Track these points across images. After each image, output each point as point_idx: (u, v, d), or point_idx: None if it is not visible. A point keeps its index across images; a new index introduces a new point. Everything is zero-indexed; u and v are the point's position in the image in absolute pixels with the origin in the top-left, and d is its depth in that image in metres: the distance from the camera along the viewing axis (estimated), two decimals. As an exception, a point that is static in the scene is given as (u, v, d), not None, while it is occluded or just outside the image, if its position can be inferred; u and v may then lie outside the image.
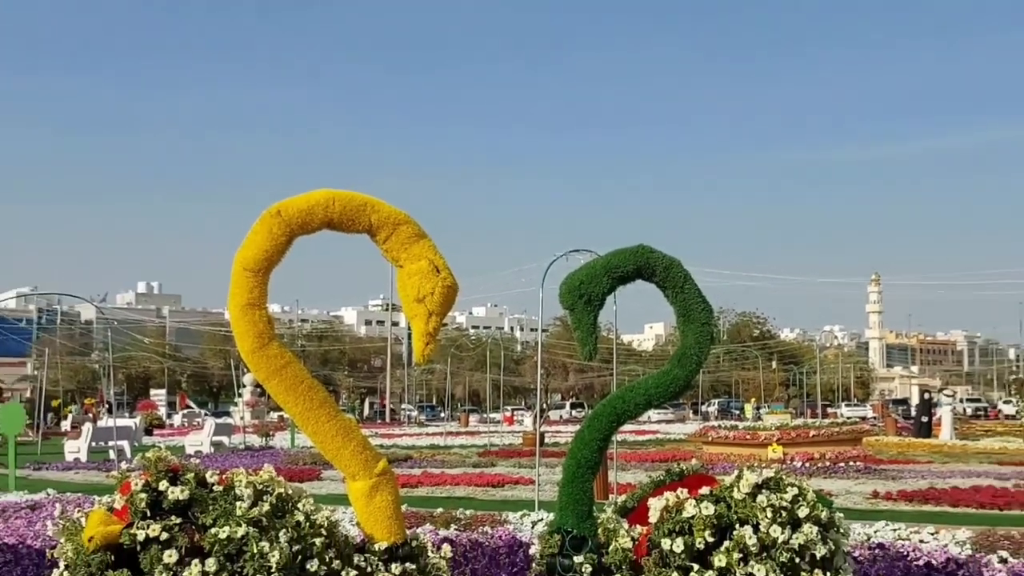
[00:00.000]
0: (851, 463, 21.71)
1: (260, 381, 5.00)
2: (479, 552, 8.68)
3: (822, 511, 5.47)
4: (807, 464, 20.82)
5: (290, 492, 4.85)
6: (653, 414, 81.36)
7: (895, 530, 10.44)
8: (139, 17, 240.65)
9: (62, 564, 4.64)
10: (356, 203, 5.03)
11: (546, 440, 27.28)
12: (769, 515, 5.35)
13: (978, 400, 76.47)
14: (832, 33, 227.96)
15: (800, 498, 5.48)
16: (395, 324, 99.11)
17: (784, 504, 5.42)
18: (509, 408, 78.02)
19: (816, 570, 5.39)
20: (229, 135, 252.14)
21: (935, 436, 33.98)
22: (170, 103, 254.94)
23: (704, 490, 5.51)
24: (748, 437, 24.01)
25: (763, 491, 5.47)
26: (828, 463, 21.50)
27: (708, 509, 5.35)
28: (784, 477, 5.59)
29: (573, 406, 77.86)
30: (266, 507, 4.67)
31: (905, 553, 8.49)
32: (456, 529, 10.17)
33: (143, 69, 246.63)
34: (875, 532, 10.21)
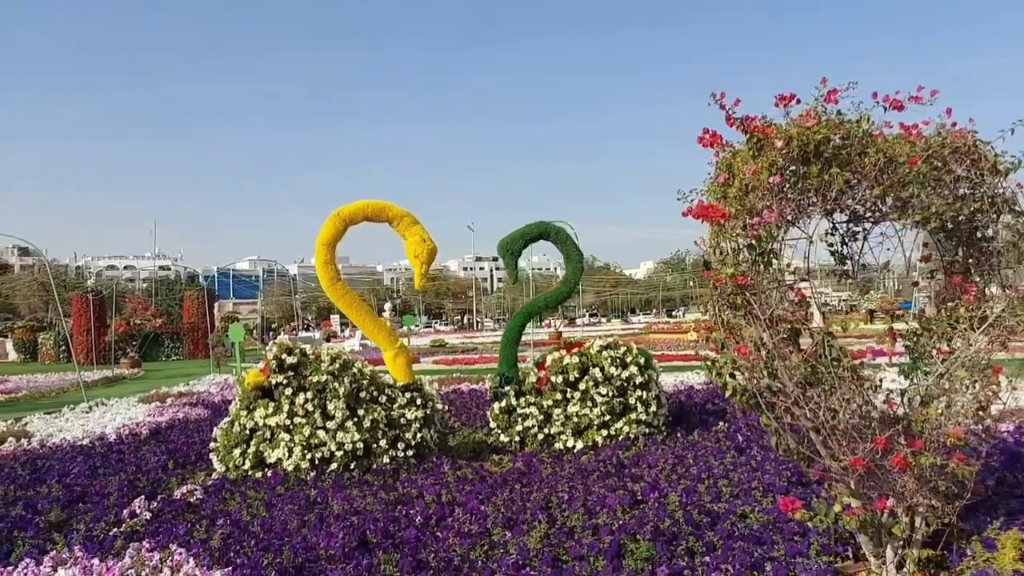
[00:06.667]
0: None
1: (333, 300, 5.82)
2: (474, 392, 9.93)
3: (640, 358, 6.32)
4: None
5: (351, 358, 5.82)
6: (641, 316, 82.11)
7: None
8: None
9: (235, 399, 5.70)
10: (380, 206, 5.91)
11: (563, 336, 28.04)
12: (609, 361, 6.23)
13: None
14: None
15: (628, 352, 6.33)
16: (480, 270, 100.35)
17: (617, 355, 6.28)
18: (550, 319, 79.26)
19: (638, 390, 6.27)
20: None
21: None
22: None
23: (575, 350, 6.40)
24: (675, 327, 24.63)
25: (606, 349, 6.33)
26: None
27: (575, 359, 6.23)
28: (619, 341, 6.44)
29: (591, 316, 78.62)
30: (337, 365, 5.66)
31: (692, 385, 9.48)
32: (478, 382, 11.28)
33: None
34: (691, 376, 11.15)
